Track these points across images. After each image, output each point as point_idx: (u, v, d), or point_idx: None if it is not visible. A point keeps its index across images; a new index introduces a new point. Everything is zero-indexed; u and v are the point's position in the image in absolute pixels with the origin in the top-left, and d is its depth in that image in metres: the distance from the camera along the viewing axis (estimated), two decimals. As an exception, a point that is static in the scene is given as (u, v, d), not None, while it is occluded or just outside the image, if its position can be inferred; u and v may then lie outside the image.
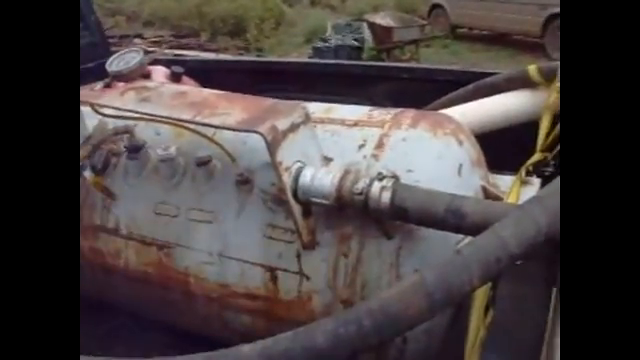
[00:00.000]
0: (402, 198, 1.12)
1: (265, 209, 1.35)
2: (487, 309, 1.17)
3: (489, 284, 1.19)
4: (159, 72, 3.10)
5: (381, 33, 8.51)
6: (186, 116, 1.30)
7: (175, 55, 8.59)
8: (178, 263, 1.47)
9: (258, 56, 9.67)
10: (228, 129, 1.26)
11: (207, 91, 1.45)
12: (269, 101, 1.35)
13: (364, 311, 0.92)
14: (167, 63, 3.12)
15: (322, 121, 1.45)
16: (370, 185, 1.14)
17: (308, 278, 1.29)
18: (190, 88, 1.54)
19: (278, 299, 1.34)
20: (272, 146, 1.17)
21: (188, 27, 10.98)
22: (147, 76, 3.07)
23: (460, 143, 1.37)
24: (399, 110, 1.44)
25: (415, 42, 8.40)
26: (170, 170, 1.48)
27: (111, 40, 9.00)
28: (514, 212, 1.00)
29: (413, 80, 2.70)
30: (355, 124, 1.41)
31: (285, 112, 1.26)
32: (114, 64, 1.48)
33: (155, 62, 2.80)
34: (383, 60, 8.54)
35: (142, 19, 11.53)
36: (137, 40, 9.66)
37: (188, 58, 4.76)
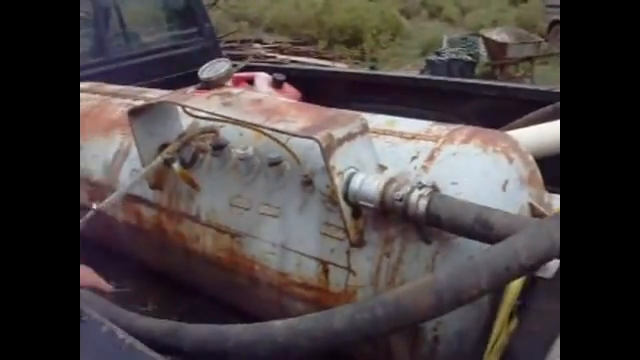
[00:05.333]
0: (437, 207, 1.23)
1: (323, 208, 1.49)
2: (511, 317, 1.25)
3: (517, 293, 1.26)
4: (262, 79, 3.35)
5: (495, 49, 8.42)
6: (257, 120, 1.48)
7: (292, 62, 8.96)
8: (246, 251, 1.64)
9: (371, 67, 9.84)
10: (289, 134, 1.43)
11: (281, 100, 1.62)
12: (332, 112, 1.49)
13: (379, 302, 1.05)
14: (270, 70, 3.35)
15: (384, 132, 1.57)
16: (410, 193, 1.26)
17: (355, 274, 1.42)
18: (267, 96, 1.71)
19: (328, 290, 1.47)
20: (326, 152, 1.32)
21: (307, 35, 11.32)
22: (251, 81, 3.31)
23: (510, 160, 1.44)
24: (457, 126, 1.53)
25: (530, 59, 8.24)
26: (247, 168, 1.66)
27: (232, 44, 9.54)
28: (532, 226, 1.08)
29: (501, 98, 2.75)
30: (413, 137, 1.52)
31: (344, 122, 1.40)
32: (205, 72, 1.68)
33: (247, 69, 3.02)
34: (496, 76, 8.45)
35: (264, 25, 12.03)
36: (256, 45, 10.09)
37: (289, 66, 4.99)
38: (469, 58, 8.89)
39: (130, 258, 2.21)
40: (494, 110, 2.66)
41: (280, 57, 9.27)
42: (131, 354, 0.98)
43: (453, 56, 8.98)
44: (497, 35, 8.53)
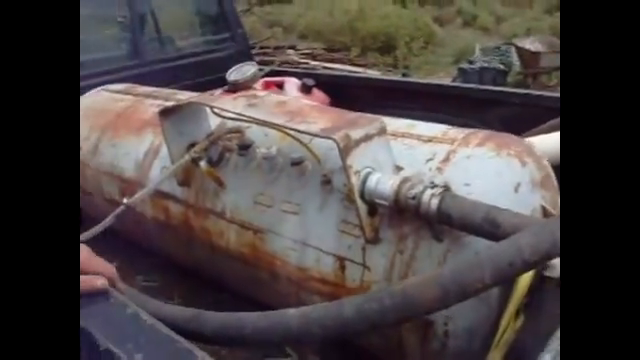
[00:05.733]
0: (448, 205, 1.28)
1: (341, 206, 1.55)
2: (518, 314, 1.29)
3: (525, 291, 1.30)
4: (292, 84, 3.42)
5: (528, 58, 8.38)
6: (280, 121, 1.55)
7: (324, 68, 9.04)
8: (268, 247, 1.71)
9: (404, 74, 9.86)
10: (309, 134, 1.49)
11: (304, 102, 1.69)
12: (352, 114, 1.56)
13: (387, 293, 1.10)
14: (300, 76, 3.42)
15: (403, 135, 1.63)
16: (423, 192, 1.31)
17: (369, 269, 1.48)
18: (291, 99, 1.78)
19: (344, 285, 1.53)
20: (344, 151, 1.38)
21: (340, 42, 11.39)
22: (281, 86, 3.40)
23: (523, 164, 1.49)
24: (473, 130, 1.58)
25: (563, 68, 8.17)
26: (270, 167, 1.73)
27: (266, 50, 9.67)
28: (537, 225, 1.12)
29: (526, 106, 2.78)
30: (430, 140, 1.57)
31: (362, 124, 1.46)
32: (233, 74, 1.76)
33: (277, 74, 3.09)
34: (529, 85, 8.41)
35: (297, 32, 12.14)
36: (290, 51, 10.21)
37: (319, 71, 5.06)
38: (501, 67, 8.86)
39: (158, 253, 2.30)
40: (521, 117, 2.68)
41: (313, 63, 9.37)
42: (154, 334, 1.05)
43: (485, 64, 8.96)
44: (530, 44, 8.48)
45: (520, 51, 8.64)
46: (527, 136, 2.06)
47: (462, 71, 9.07)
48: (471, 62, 9.32)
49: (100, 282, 1.16)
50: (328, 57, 10.58)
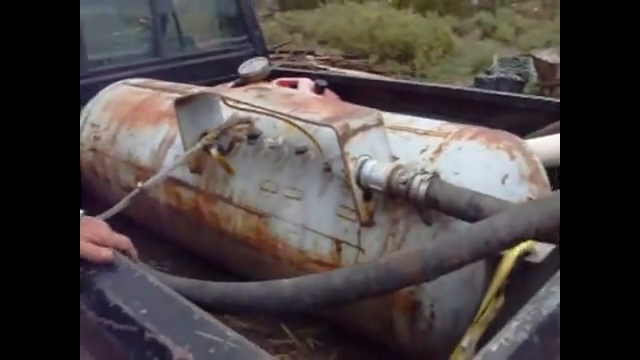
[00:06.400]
0: (435, 191, 1.38)
1: (340, 192, 1.66)
2: (499, 295, 1.38)
3: (507, 273, 1.39)
4: (305, 84, 3.54)
5: (545, 69, 8.41)
6: (285, 111, 1.65)
7: (343, 73, 9.15)
8: (271, 230, 1.82)
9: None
10: (310, 122, 1.60)
11: (310, 95, 1.79)
12: (352, 107, 1.66)
13: (373, 265, 1.20)
14: (314, 76, 3.53)
15: (401, 129, 1.73)
16: (413, 178, 1.41)
17: (364, 252, 1.57)
18: (296, 92, 1.88)
19: (339, 267, 1.63)
20: (342, 139, 1.48)
21: (359, 49, 11.48)
22: (294, 86, 3.51)
23: (512, 157, 1.58)
24: (466, 126, 1.68)
25: (580, 81, 8.18)
26: (276, 155, 1.84)
27: (285, 55, 9.81)
28: (514, 208, 1.22)
29: (534, 111, 2.85)
30: (425, 133, 1.67)
31: (361, 115, 1.57)
32: (244, 69, 1.87)
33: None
34: (546, 96, 8.44)
35: (317, 38, 12.27)
36: (309, 56, 10.33)
37: (332, 73, 5.17)
38: (518, 78, 8.90)
39: (169, 239, 2.41)
40: (527, 123, 2.75)
41: (332, 69, 9.47)
42: (158, 294, 1.15)
43: (502, 75, 9.02)
44: (548, 56, 8.51)
45: (538, 62, 8.67)
46: (529, 138, 2.15)
47: (479, 81, 9.13)
48: (488, 72, 9.39)
49: (105, 252, 1.26)
50: (346, 63, 10.68)
